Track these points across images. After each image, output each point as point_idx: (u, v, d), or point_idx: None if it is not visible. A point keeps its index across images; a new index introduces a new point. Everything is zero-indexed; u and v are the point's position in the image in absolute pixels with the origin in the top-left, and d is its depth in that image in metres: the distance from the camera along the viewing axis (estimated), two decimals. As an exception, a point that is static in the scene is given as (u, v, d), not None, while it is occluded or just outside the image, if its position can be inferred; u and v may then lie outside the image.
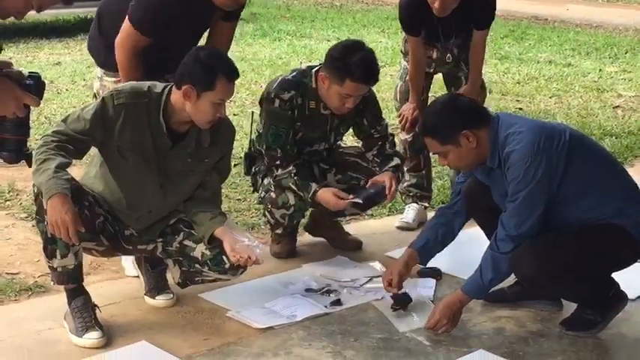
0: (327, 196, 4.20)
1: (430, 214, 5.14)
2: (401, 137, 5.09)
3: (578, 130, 3.85)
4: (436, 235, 3.88)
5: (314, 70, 4.26)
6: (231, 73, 3.54)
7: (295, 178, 4.23)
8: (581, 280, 3.56)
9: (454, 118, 3.54)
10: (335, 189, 4.26)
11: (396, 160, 4.43)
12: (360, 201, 4.20)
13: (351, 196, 4.19)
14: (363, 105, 4.30)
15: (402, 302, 3.87)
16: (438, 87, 5.76)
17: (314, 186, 4.22)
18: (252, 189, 4.70)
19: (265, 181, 4.38)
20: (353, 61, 4.05)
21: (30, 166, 2.99)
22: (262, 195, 4.40)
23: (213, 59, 3.53)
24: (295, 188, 4.24)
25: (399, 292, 3.87)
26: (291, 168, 4.25)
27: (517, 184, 3.47)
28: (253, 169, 4.50)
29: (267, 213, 4.42)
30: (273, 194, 4.32)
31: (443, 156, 3.61)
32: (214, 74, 3.48)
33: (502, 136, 3.52)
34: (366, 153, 4.51)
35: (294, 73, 4.30)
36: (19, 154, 2.74)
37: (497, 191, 3.64)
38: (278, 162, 4.27)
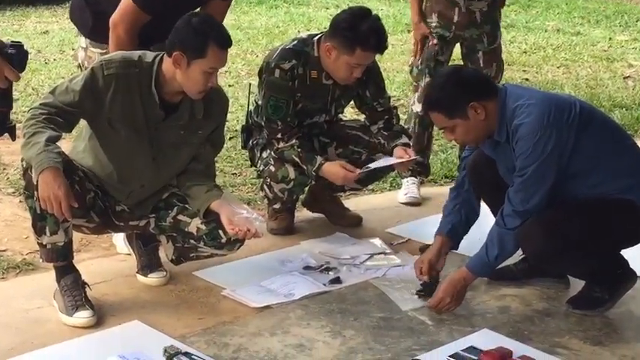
0: (334, 169, 4.20)
1: (424, 189, 5.17)
2: (413, 109, 5.12)
3: (588, 103, 3.83)
4: (460, 217, 3.87)
5: (316, 39, 4.26)
6: (224, 40, 3.53)
7: (299, 150, 4.24)
8: (589, 256, 3.57)
9: (460, 90, 3.52)
10: (342, 162, 4.26)
11: (405, 139, 4.44)
12: (372, 166, 4.22)
13: (358, 171, 4.20)
14: (366, 76, 4.30)
15: (429, 289, 3.84)
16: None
17: (319, 159, 4.22)
18: (248, 163, 4.70)
19: (264, 154, 4.38)
20: (363, 30, 4.06)
21: (13, 139, 2.99)
22: (261, 168, 4.40)
23: (205, 25, 3.52)
24: (299, 161, 4.24)
25: (428, 280, 3.86)
26: (294, 141, 4.25)
27: (525, 158, 3.46)
28: (251, 143, 4.49)
29: (265, 187, 4.41)
30: (272, 167, 4.32)
31: (450, 130, 3.60)
32: (206, 41, 3.47)
33: (510, 108, 3.51)
34: (370, 126, 4.51)
35: (295, 42, 4.29)
36: (1, 126, 2.74)
37: (504, 165, 3.64)
38: (279, 135, 4.26)
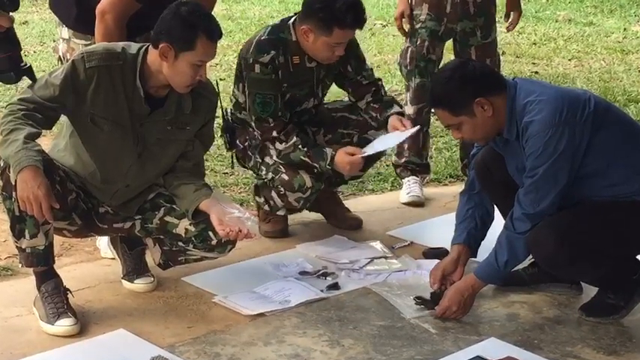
0: (340, 159, 4.17)
1: (428, 190, 5.16)
2: (406, 111, 5.11)
3: (603, 98, 3.81)
4: (475, 222, 3.86)
5: (291, 22, 4.25)
6: (214, 32, 3.52)
7: (305, 149, 4.22)
8: (602, 263, 3.57)
9: (466, 85, 3.51)
10: (346, 148, 4.24)
11: (397, 108, 4.43)
12: (371, 152, 4.21)
13: (360, 155, 4.18)
14: (345, 51, 4.28)
15: (434, 299, 3.79)
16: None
17: (329, 151, 4.21)
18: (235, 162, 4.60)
19: (267, 159, 4.33)
20: (338, 8, 4.06)
21: (34, 81, 2.99)
22: (269, 176, 4.32)
23: (194, 16, 3.50)
24: (308, 160, 4.23)
25: (437, 290, 3.82)
26: (294, 139, 4.23)
27: (536, 158, 3.46)
28: (239, 143, 4.43)
29: (275, 195, 4.33)
30: (285, 176, 4.27)
31: (456, 128, 3.59)
32: (195, 32, 3.46)
33: (520, 104, 3.50)
34: (357, 102, 4.49)
35: (269, 30, 4.27)
36: (17, 70, 2.77)
37: (514, 164, 3.63)
38: (274, 133, 4.25)
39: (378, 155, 4.49)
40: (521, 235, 3.52)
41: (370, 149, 4.22)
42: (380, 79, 4.59)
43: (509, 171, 3.68)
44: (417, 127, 4.41)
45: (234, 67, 7.57)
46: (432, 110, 4.80)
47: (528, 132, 3.47)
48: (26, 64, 2.93)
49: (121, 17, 3.92)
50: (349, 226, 4.65)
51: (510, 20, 5.27)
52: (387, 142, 4.30)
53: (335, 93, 4.84)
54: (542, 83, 3.79)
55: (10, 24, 2.88)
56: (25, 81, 3.38)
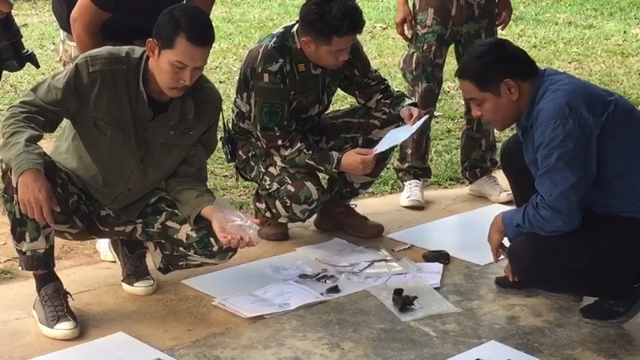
0: (351, 159, 4.18)
1: (428, 192, 5.16)
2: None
3: (631, 107, 3.64)
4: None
5: (294, 30, 4.25)
6: (196, 35, 3.46)
7: (310, 152, 4.23)
8: (587, 279, 3.55)
9: (499, 63, 3.51)
10: (357, 148, 4.25)
11: (408, 101, 4.44)
12: (383, 149, 4.23)
13: (373, 152, 4.19)
14: (350, 55, 4.29)
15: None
16: (448, 74, 5.73)
17: (335, 154, 4.22)
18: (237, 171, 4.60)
19: (272, 170, 4.32)
20: (333, 15, 4.06)
21: (38, 67, 2.96)
22: (274, 187, 4.31)
23: (182, 15, 3.48)
24: (313, 163, 4.23)
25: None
26: (299, 144, 4.23)
27: (544, 148, 3.41)
28: (241, 154, 4.42)
29: (279, 206, 4.31)
30: (291, 187, 4.26)
31: (478, 104, 3.58)
32: (176, 31, 3.44)
33: (542, 91, 3.49)
34: (367, 102, 4.50)
35: (275, 39, 4.26)
36: (19, 58, 2.77)
37: (528, 155, 3.59)
38: (279, 142, 4.24)
39: (388, 152, 4.49)
40: (542, 219, 3.46)
41: (381, 146, 4.24)
42: (386, 79, 4.61)
43: (526, 161, 3.62)
44: (426, 116, 4.45)
45: (234, 70, 7.63)
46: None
47: (538, 119, 3.44)
48: (28, 51, 2.93)
49: (89, 25, 3.93)
50: (371, 235, 4.60)
51: (502, 19, 5.27)
52: (396, 137, 4.32)
53: (341, 98, 4.83)
54: (571, 76, 3.69)
55: (9, 9, 2.87)
56: (26, 82, 3.40)
